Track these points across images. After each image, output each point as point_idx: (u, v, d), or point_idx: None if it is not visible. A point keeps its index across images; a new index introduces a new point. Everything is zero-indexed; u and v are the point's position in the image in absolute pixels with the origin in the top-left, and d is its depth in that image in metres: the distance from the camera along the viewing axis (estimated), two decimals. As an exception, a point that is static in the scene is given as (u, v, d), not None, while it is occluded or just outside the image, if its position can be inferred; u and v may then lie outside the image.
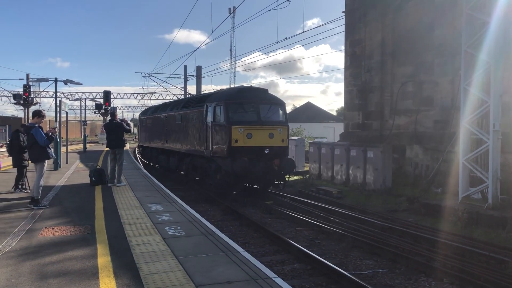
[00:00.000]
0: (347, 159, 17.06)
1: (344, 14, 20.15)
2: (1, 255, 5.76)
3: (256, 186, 15.70)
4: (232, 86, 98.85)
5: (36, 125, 9.52)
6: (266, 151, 14.16)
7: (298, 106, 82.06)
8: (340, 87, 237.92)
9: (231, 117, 14.19)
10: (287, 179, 16.07)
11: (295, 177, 20.04)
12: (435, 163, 14.81)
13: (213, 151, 14.74)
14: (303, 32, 52.87)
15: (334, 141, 26.67)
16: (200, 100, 17.18)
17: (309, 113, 58.75)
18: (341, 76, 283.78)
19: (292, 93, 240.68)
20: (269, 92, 15.63)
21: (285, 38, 52.86)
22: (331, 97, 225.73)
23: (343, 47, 20.59)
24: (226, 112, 14.23)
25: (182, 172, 19.16)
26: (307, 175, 20.05)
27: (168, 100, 27.43)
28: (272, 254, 8.47)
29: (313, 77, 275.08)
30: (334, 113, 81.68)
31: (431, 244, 8.62)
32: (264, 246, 9.05)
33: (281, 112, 15.32)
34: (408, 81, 16.98)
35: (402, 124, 17.17)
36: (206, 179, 16.05)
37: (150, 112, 26.29)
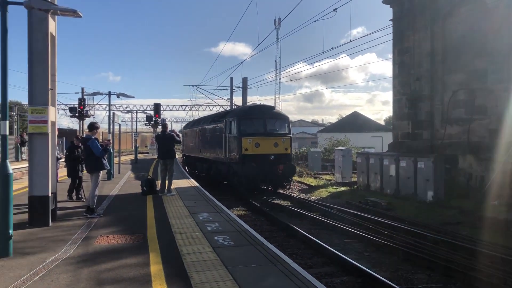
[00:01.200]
0: (397, 169, 16.68)
1: (391, 22, 19.84)
2: (61, 261, 6.06)
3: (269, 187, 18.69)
4: (276, 96, 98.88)
5: (92, 137, 9.99)
6: (271, 158, 17.30)
7: (344, 115, 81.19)
8: (388, 96, 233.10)
9: (242, 130, 17.50)
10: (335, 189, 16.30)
11: (342, 188, 19.79)
12: (490, 174, 14.19)
13: (229, 158, 18.17)
14: (350, 41, 52.32)
15: (383, 151, 26.14)
16: (222, 116, 20.52)
17: (356, 122, 57.87)
18: (388, 85, 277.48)
19: (337, 103, 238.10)
20: (287, 106, 17.94)
21: (332, 48, 52.54)
22: (378, 106, 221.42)
23: (389, 56, 20.32)
24: (238, 125, 17.65)
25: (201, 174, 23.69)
26: (355, 186, 19.75)
27: (207, 115, 32.47)
28: (320, 266, 8.39)
29: (359, 86, 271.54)
30: (382, 123, 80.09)
31: (488, 259, 8.25)
32: (311, 257, 8.99)
33: (285, 125, 18.52)
34: (460, 89, 16.43)
35: (454, 133, 16.61)
36: (225, 181, 19.24)
37: (190, 126, 30.65)
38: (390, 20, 19.90)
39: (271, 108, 19.66)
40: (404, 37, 18.92)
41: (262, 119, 18.06)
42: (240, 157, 17.15)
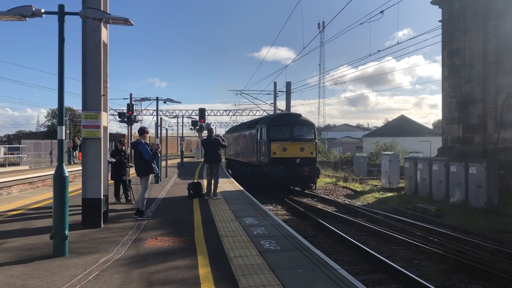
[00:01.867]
0: (447, 175, 16.13)
1: (440, 23, 19.26)
2: (113, 262, 6.26)
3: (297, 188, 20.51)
4: (320, 100, 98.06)
5: (143, 141, 10.27)
6: (298, 161, 19.23)
7: (390, 119, 79.37)
8: (435, 99, 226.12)
9: (271, 135, 19.67)
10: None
11: (390, 194, 19.36)
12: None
13: (260, 161, 20.40)
14: (398, 43, 51.07)
15: (431, 156, 25.34)
16: (256, 123, 22.80)
17: (403, 126, 56.38)
18: (435, 87, 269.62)
19: (383, 106, 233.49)
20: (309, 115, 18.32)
21: (378, 50, 51.74)
22: (425, 110, 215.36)
23: (437, 58, 19.74)
24: (268, 132, 19.85)
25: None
26: (402, 192, 19.26)
27: (244, 121, 36.17)
28: (367, 273, 8.23)
29: (405, 89, 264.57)
30: (430, 127, 77.70)
31: (547, 270, 7.82)
32: (358, 264, 8.84)
33: (311, 131, 20.58)
34: (515, 91, 15.71)
35: (508, 137, 15.87)
36: (258, 182, 20.71)
37: (230, 131, 34.25)
38: (439, 21, 19.32)
39: (298, 115, 21.66)
40: (454, 38, 18.32)
41: (289, 126, 20.17)
42: (269, 160, 19.29)
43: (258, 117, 36.98)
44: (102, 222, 8.84)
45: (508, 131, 15.86)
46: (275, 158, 19.15)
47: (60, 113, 6.88)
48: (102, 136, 8.76)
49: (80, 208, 8.86)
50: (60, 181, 6.64)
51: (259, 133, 20.83)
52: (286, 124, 20.34)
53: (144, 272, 5.77)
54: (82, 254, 6.69)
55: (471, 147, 17.34)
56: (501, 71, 16.49)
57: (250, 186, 20.52)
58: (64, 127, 6.85)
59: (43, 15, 6.72)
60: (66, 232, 6.60)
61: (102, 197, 8.74)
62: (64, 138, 6.84)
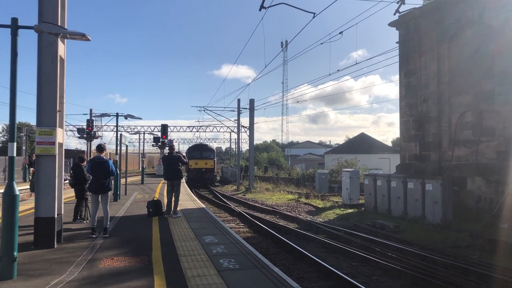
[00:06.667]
0: (405, 191, 16.52)
1: (397, 44, 19.96)
2: (65, 283, 6.02)
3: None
4: (284, 117, 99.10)
5: (105, 158, 10.21)
6: (203, 170, 39.92)
7: (351, 137, 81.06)
8: (392, 117, 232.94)
9: (191, 155, 40.51)
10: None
11: (350, 210, 19.62)
12: (499, 196, 14.03)
13: (188, 170, 41.06)
14: (356, 63, 52.40)
15: (390, 172, 25.97)
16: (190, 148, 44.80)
17: (364, 144, 57.67)
18: (392, 106, 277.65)
19: (343, 124, 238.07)
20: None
21: (338, 70, 53.07)
22: (383, 128, 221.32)
23: (392, 78, 20.35)
24: (189, 154, 40.77)
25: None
26: (362, 208, 19.57)
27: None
28: (327, 290, 8.25)
29: (363, 108, 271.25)
30: (390, 144, 79.83)
31: (499, 284, 8.08)
32: (319, 281, 8.85)
33: (212, 153, 42.84)
34: (467, 110, 16.39)
35: (462, 155, 16.49)
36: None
37: (185, 151, 47.13)
38: (396, 42, 20.03)
39: (205, 145, 46.72)
40: (411, 59, 19.01)
41: (199, 151, 42.20)
42: (187, 170, 40.55)
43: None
44: (55, 242, 8.51)
45: (462, 149, 16.49)
46: (192, 168, 40.02)
47: (11, 129, 6.64)
48: (57, 153, 8.50)
49: (33, 227, 8.51)
50: (9, 199, 6.37)
51: (187, 154, 40.63)
52: (198, 150, 42.49)
53: (97, 294, 5.57)
54: (32, 276, 6.40)
55: (428, 164, 17.89)
56: (453, 91, 17.20)
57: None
58: (15, 143, 6.60)
59: (-5, 28, 6.51)
60: (14, 253, 6.31)
61: (56, 215, 8.43)
62: (15, 155, 6.58)
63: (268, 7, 11.11)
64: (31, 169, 29.67)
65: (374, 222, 15.32)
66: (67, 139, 60.65)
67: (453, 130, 16.91)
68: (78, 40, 7.30)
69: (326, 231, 14.31)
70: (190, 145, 55.91)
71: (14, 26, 6.48)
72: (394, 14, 17.42)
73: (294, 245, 11.69)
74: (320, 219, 17.83)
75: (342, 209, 20.24)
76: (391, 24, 20.05)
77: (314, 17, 11.98)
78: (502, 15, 14.93)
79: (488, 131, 15.49)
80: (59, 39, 8.26)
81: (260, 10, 11.07)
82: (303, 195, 27.97)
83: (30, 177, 28.12)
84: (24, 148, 49.58)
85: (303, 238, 13.47)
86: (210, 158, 41.26)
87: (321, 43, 19.89)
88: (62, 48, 8.81)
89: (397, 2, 15.46)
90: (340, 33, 16.88)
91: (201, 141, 67.32)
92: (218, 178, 53.84)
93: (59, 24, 8.09)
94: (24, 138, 49.31)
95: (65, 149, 9.86)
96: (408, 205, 16.27)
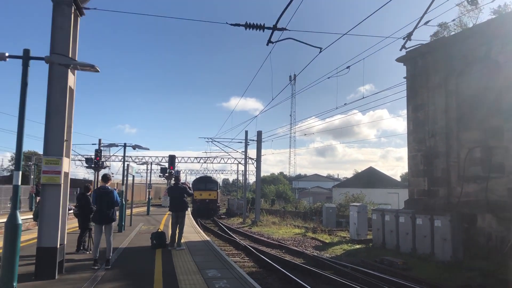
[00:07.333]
0: (413, 227, 16.23)
1: (405, 79, 20.06)
2: (63, 317, 5.88)
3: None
4: (292, 150, 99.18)
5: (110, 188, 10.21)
6: (207, 201, 43.31)
7: (359, 171, 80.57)
8: (401, 152, 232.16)
9: (196, 187, 43.94)
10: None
11: (358, 246, 19.28)
12: (511, 234, 13.72)
13: (193, 201, 43.03)
14: (363, 98, 52.75)
15: (399, 208, 25.61)
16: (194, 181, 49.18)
17: (372, 178, 57.18)
18: (400, 141, 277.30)
19: (351, 158, 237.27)
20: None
21: (345, 104, 53.04)
22: (392, 162, 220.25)
23: (400, 112, 20.35)
24: (194, 186, 44.11)
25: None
26: (370, 244, 19.22)
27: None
28: (332, 329, 7.99)
29: (371, 142, 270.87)
30: (398, 179, 79.16)
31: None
32: (324, 319, 8.60)
33: (216, 184, 47.13)
34: (476, 146, 16.25)
35: (471, 191, 16.24)
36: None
37: (192, 183, 49.35)
38: (404, 77, 20.13)
39: (209, 177, 49.43)
40: (418, 94, 19.05)
41: (204, 182, 45.96)
42: (192, 201, 42.42)
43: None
44: (57, 273, 8.39)
45: (471, 185, 16.26)
46: (197, 199, 42.76)
47: (17, 158, 6.67)
48: (62, 182, 8.50)
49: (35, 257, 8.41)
50: (12, 229, 6.33)
51: (192, 186, 41.78)
52: (203, 182, 46.31)
53: (95, 329, 5.42)
54: (30, 308, 6.28)
55: (436, 199, 17.64)
56: (462, 126, 17.12)
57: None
58: (20, 172, 6.61)
59: (7, 59, 6.63)
60: (14, 284, 6.21)
61: (58, 245, 8.35)
62: (19, 183, 6.58)
63: (275, 42, 11.24)
64: (38, 198, 29.74)
65: (382, 258, 15.00)
66: (76, 168, 61.13)
67: (462, 166, 16.73)
68: (88, 72, 7.41)
69: (333, 267, 14.01)
70: (197, 176, 59.60)
71: (26, 57, 6.61)
72: (400, 50, 17.54)
73: (299, 281, 11.43)
74: (327, 255, 17.52)
75: (349, 244, 19.89)
76: (399, 60, 20.22)
77: (320, 51, 12.10)
78: (508, 51, 15.02)
79: (497, 168, 15.30)
80: (69, 70, 8.40)
81: (267, 44, 11.20)
82: (310, 229, 27.60)
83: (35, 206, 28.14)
84: (32, 177, 49.82)
85: (309, 274, 13.17)
86: (213, 190, 45.16)
87: (328, 77, 20.00)
88: (72, 79, 8.94)
89: (403, 38, 15.59)
90: (347, 67, 16.99)
91: (209, 172, 71.98)
92: (224, 210, 54.14)
93: (70, 55, 8.24)
94: (32, 167, 49.63)
95: (73, 179, 9.91)
96: (417, 242, 15.95)
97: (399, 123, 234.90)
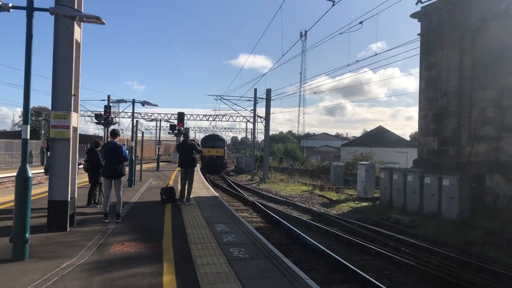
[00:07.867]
0: (421, 186, 16.25)
1: (419, 36, 19.53)
2: (75, 267, 6.03)
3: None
4: (301, 108, 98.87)
5: (119, 143, 10.22)
6: (214, 157, 46.92)
7: (368, 130, 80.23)
8: (411, 111, 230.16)
9: (204, 144, 44.97)
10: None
11: (365, 204, 19.42)
12: (519, 194, 13.68)
13: (201, 157, 45.12)
14: (376, 54, 50.97)
15: (407, 167, 25.61)
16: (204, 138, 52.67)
17: (381, 137, 56.92)
18: (411, 100, 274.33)
19: (360, 117, 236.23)
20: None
21: (357, 61, 52.11)
22: (401, 122, 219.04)
23: (411, 71, 19.94)
24: (202, 143, 43.99)
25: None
26: (377, 202, 19.35)
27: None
28: (338, 283, 8.15)
29: (381, 101, 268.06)
30: (407, 138, 78.80)
31: (514, 284, 7.88)
32: (329, 274, 8.75)
33: (223, 142, 50.28)
34: (489, 106, 15.97)
35: (481, 151, 16.11)
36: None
37: (200, 141, 50.28)
38: (418, 34, 19.59)
39: (217, 135, 52.54)
40: (432, 52, 18.58)
41: (211, 140, 48.86)
42: (201, 157, 44.62)
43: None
44: (68, 226, 8.57)
45: (481, 145, 16.11)
46: (205, 155, 45.61)
47: (25, 112, 6.64)
48: (71, 136, 8.52)
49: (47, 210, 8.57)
50: (22, 182, 6.39)
51: (201, 143, 43.38)
52: (211, 139, 49.23)
53: (105, 278, 5.57)
54: (43, 258, 6.44)
55: (446, 159, 17.55)
56: (476, 85, 16.77)
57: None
58: (28, 126, 6.60)
59: (11, 10, 6.48)
60: (27, 235, 6.34)
61: (69, 199, 8.48)
62: (28, 137, 6.58)
63: (286, -5, 10.89)
64: (48, 152, 30.16)
65: (389, 216, 15.13)
66: (85, 124, 61.19)
67: (473, 125, 16.52)
68: (94, 24, 7.25)
69: (339, 223, 14.18)
70: (206, 134, 62.54)
71: (30, 8, 6.45)
72: (416, 4, 16.99)
73: (306, 237, 11.59)
74: (334, 212, 17.70)
75: (356, 202, 20.05)
76: (413, 16, 19.61)
77: (333, 4, 11.75)
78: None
79: (510, 127, 15.08)
80: (75, 22, 8.23)
81: (278, -3, 10.86)
82: (318, 187, 27.82)
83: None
84: (43, 132, 50.29)
85: (315, 230, 13.35)
86: (220, 147, 48.26)
87: (340, 33, 19.49)
88: (78, 32, 8.78)
89: (420, -7, 15.06)
90: (360, 23, 16.58)
91: (218, 130, 75.89)
92: (233, 167, 54.88)
93: (75, 7, 8.04)
94: (42, 122, 49.99)
95: (83, 134, 9.95)
96: (424, 200, 16.01)
97: (410, 82, 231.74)
